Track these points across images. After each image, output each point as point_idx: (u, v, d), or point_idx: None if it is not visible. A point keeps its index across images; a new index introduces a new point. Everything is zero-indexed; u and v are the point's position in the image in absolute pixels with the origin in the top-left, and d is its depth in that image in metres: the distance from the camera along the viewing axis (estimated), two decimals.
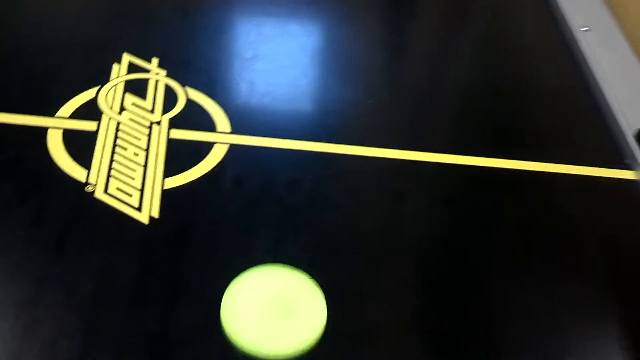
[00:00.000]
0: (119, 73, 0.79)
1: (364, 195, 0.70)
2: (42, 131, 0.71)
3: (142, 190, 0.67)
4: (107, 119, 0.73)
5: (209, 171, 0.69)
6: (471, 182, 0.73)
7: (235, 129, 0.74)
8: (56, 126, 0.72)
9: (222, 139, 0.73)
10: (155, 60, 0.81)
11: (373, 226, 0.67)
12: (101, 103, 0.75)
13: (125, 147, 0.70)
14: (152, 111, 0.75)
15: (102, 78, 0.78)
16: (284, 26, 0.93)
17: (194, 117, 0.75)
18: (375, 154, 0.74)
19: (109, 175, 0.68)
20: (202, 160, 0.70)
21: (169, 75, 0.80)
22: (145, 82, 0.78)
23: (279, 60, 0.86)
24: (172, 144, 0.71)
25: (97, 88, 0.77)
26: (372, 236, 0.66)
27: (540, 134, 0.80)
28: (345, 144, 0.75)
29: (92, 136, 0.71)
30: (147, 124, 0.73)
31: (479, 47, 0.96)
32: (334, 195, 0.69)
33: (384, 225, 0.67)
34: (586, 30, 0.94)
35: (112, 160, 0.69)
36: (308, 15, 0.96)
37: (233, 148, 0.72)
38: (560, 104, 0.86)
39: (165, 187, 0.67)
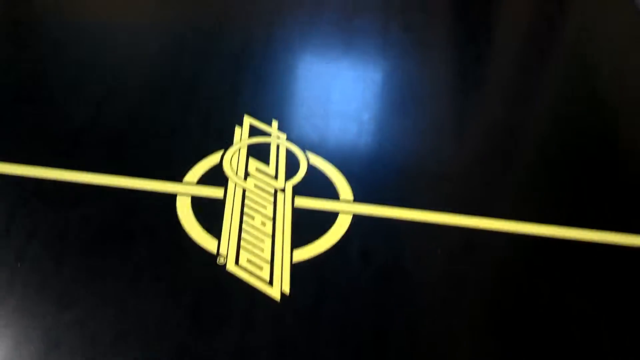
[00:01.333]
0: (242, 136, 0.80)
1: (500, 272, 0.69)
2: (171, 197, 0.73)
3: (271, 263, 0.67)
4: (233, 185, 0.75)
5: (336, 243, 0.70)
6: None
7: (358, 197, 0.74)
8: (185, 192, 0.74)
9: (345, 208, 0.73)
10: (275, 123, 0.82)
11: (512, 304, 0.65)
12: (226, 168, 0.76)
13: (253, 216, 0.71)
14: (275, 177, 0.76)
15: (225, 140, 0.79)
16: (398, 88, 0.93)
17: (317, 184, 0.75)
18: (509, 227, 0.72)
19: (239, 246, 0.69)
20: (327, 231, 0.71)
21: (289, 138, 0.80)
22: (267, 146, 0.80)
23: (395, 123, 0.86)
24: (297, 213, 0.72)
25: (221, 152, 0.78)
26: (511, 314, 0.65)
27: None
28: (470, 214, 0.74)
29: (219, 203, 0.73)
30: (272, 190, 0.74)
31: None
32: (465, 271, 0.68)
33: (523, 305, 0.66)
34: None
35: (240, 230, 0.70)
36: (419, 76, 0.96)
37: (357, 218, 0.72)
38: None
39: (294, 260, 0.68)
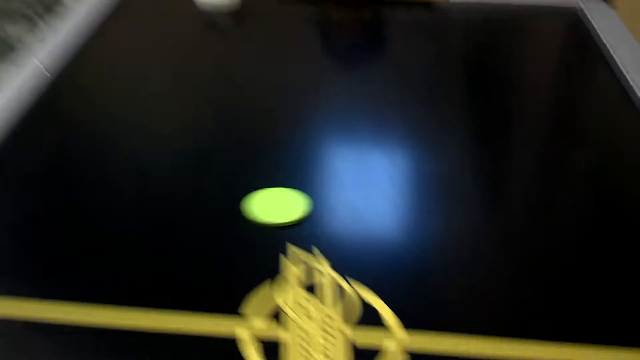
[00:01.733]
0: (290, 269, 0.85)
1: None
2: (230, 341, 0.76)
3: None
4: (292, 324, 0.78)
5: None
6: None
7: (409, 328, 0.79)
8: (244, 334, 0.77)
9: (400, 345, 0.78)
10: (317, 251, 0.87)
11: None
12: (281, 304, 0.80)
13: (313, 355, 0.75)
14: (330, 317, 0.80)
15: (273, 273, 0.83)
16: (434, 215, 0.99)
17: (368, 317, 0.80)
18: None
19: None
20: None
21: (334, 268, 0.85)
22: (313, 275, 0.84)
23: (436, 250, 0.92)
24: (357, 352, 0.76)
25: (271, 285, 0.82)
26: None
27: None
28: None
29: (280, 347, 0.76)
30: (331, 330, 0.78)
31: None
32: None
33: None
34: None
35: None
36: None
37: (412, 355, 0.76)
38: None
39: None
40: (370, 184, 1.02)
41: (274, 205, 0.93)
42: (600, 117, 1.26)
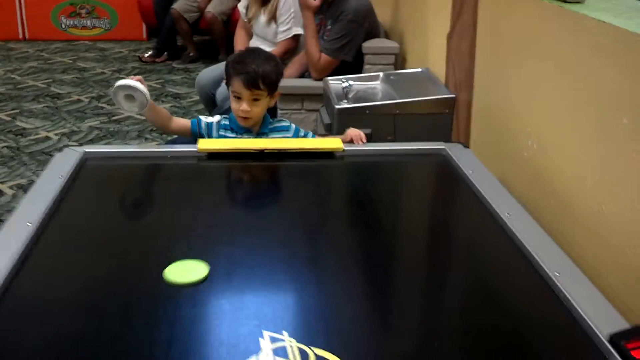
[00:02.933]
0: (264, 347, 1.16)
1: None
2: None
3: None
4: None
5: None
6: None
7: None
8: None
9: None
10: (285, 332, 1.20)
11: None
12: None
13: None
14: None
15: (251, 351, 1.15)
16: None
17: None
18: None
19: None
20: None
21: (299, 341, 1.18)
22: (284, 348, 1.16)
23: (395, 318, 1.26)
24: None
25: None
26: None
27: None
28: None
29: None
30: None
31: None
32: None
33: None
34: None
35: None
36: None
37: None
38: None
39: None
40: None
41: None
42: (465, 224, 1.71)
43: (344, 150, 2.01)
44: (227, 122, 2.11)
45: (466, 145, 2.08)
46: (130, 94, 1.90)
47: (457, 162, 1.95)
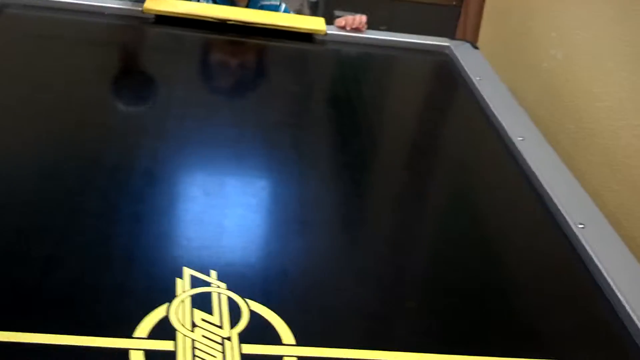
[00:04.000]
0: (184, 288, 0.84)
1: None
2: (124, 353, 0.74)
3: None
4: (182, 337, 0.77)
5: None
6: None
7: (300, 341, 0.81)
8: (136, 347, 0.75)
9: (289, 352, 0.79)
10: (214, 273, 0.87)
11: None
12: (173, 321, 0.79)
13: None
14: (220, 326, 0.80)
15: (169, 294, 0.82)
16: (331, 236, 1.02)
17: (259, 330, 0.81)
18: None
19: None
20: None
21: (229, 288, 0.85)
22: (209, 296, 0.84)
23: (329, 267, 0.94)
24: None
25: (166, 305, 0.80)
26: None
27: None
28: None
29: (171, 356, 0.75)
30: (220, 340, 0.78)
31: None
32: None
33: None
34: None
35: None
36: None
37: None
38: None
39: None
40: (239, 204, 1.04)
41: None
42: (467, 142, 1.37)
43: (326, 33, 1.62)
44: None
45: (475, 46, 1.70)
46: None
47: (463, 65, 1.59)
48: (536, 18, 1.70)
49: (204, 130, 1.20)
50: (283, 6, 1.78)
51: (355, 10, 2.30)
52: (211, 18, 1.57)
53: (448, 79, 1.62)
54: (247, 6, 1.72)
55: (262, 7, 1.74)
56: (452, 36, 2.23)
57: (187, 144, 1.16)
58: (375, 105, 1.47)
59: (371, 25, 2.32)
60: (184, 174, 1.10)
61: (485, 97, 1.44)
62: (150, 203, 1.00)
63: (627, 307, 0.90)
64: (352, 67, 1.63)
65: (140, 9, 1.54)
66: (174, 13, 1.55)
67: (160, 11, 1.55)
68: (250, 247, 0.95)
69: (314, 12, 2.44)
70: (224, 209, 1.02)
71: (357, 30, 1.64)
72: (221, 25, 1.57)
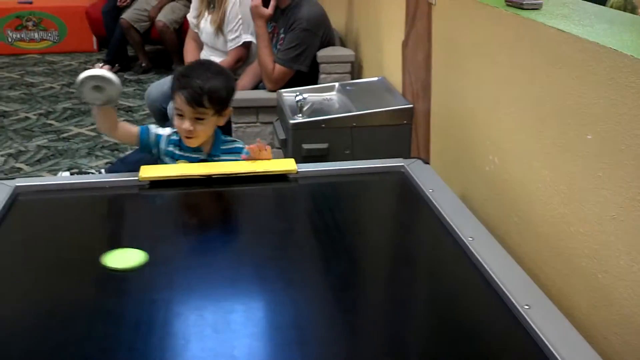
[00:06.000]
0: None
1: None
2: None
3: None
4: None
5: None
6: None
7: None
8: None
9: None
10: None
11: None
12: None
13: None
14: None
15: None
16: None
17: None
18: None
19: None
20: None
21: None
22: None
23: None
24: None
25: None
26: None
27: None
28: None
29: None
30: None
31: None
32: None
33: None
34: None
35: None
36: None
37: None
38: None
39: None
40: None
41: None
42: (427, 247, 1.62)
43: (297, 172, 1.89)
44: (176, 138, 1.97)
45: (426, 161, 1.98)
46: (101, 85, 1.74)
47: (417, 180, 1.85)
48: (473, 130, 2.00)
49: (206, 278, 1.43)
50: (241, 144, 2.02)
51: (322, 141, 2.61)
52: (197, 176, 1.83)
53: (406, 194, 1.88)
54: (211, 151, 1.96)
55: (228, 151, 1.99)
56: (408, 151, 2.54)
57: (193, 293, 1.38)
58: (348, 228, 1.72)
59: (337, 150, 2.63)
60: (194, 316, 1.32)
61: (437, 206, 1.70)
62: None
63: None
64: (324, 197, 1.88)
65: (136, 177, 1.80)
66: (165, 177, 1.82)
67: (153, 177, 1.81)
68: None
69: (284, 147, 2.72)
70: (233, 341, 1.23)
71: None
72: (207, 180, 1.84)
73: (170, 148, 1.97)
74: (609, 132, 1.35)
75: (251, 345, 1.22)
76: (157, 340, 1.22)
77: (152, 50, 6.07)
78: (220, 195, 1.87)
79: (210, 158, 1.98)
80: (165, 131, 1.99)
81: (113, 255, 1.45)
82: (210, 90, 1.88)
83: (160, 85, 3.65)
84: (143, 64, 5.78)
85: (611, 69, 1.32)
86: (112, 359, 1.17)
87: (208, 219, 1.81)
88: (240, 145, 2.03)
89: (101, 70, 1.75)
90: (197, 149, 1.97)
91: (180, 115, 1.89)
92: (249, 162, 1.95)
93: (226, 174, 1.85)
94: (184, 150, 1.97)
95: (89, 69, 1.79)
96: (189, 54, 3.68)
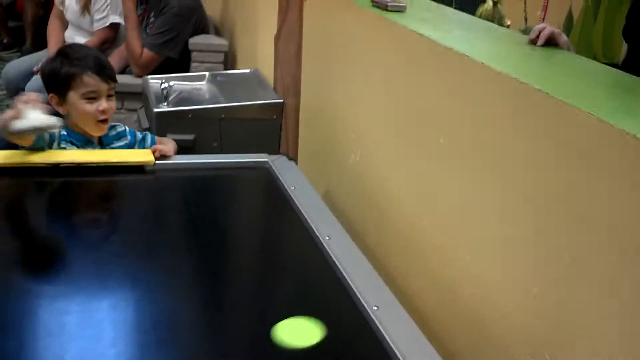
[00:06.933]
0: None
1: None
2: None
3: None
4: None
5: None
6: None
7: None
8: None
9: None
10: None
11: None
12: None
13: None
14: None
15: None
16: None
17: None
18: None
19: None
20: None
21: None
22: None
23: None
24: None
25: None
26: None
27: None
28: None
29: None
30: None
31: None
32: None
33: None
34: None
35: None
36: None
37: None
38: None
39: None
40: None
41: None
42: (285, 243, 1.59)
43: (155, 163, 1.80)
44: (65, 133, 1.80)
45: (291, 158, 1.95)
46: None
47: (280, 177, 1.82)
48: (339, 126, 1.99)
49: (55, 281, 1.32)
50: (127, 129, 1.91)
51: (188, 132, 2.51)
52: (42, 164, 1.69)
53: (269, 190, 1.84)
54: (102, 142, 1.85)
55: (116, 136, 1.89)
56: (276, 146, 2.50)
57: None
58: (204, 225, 1.65)
59: (205, 142, 2.54)
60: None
61: (298, 203, 1.67)
62: None
63: None
64: (182, 191, 1.81)
65: None
66: (5, 164, 1.66)
67: None
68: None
69: None
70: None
71: (165, 157, 1.81)
72: (53, 169, 1.70)
73: (63, 145, 1.81)
74: (458, 136, 1.37)
75: (87, 347, 1.13)
76: None
77: (16, 26, 5.65)
78: (68, 186, 1.73)
79: (103, 147, 1.86)
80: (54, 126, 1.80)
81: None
82: (111, 66, 1.85)
83: (19, 64, 3.42)
84: (5, 40, 5.38)
85: (462, 75, 1.35)
86: None
87: (52, 212, 1.68)
88: (122, 128, 1.91)
89: (43, 119, 1.59)
90: (89, 141, 1.83)
91: (92, 99, 1.76)
92: (103, 151, 1.84)
93: (75, 163, 1.72)
94: (77, 144, 1.81)
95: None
96: (53, 33, 3.44)
